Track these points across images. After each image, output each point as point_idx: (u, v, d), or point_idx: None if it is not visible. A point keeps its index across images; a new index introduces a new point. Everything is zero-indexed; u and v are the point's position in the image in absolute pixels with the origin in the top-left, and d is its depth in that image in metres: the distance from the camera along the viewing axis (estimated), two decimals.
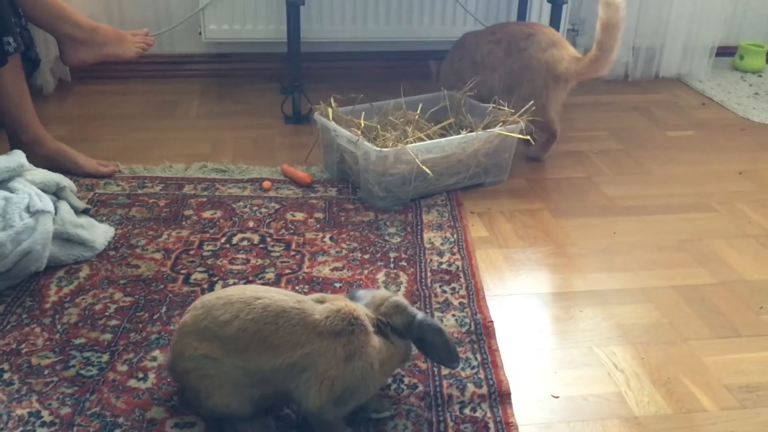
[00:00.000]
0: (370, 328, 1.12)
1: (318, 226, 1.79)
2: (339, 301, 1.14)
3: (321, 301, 1.15)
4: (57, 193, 1.65)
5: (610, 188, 2.07)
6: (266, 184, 1.97)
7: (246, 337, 1.09)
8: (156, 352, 1.34)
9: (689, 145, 2.39)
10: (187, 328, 1.14)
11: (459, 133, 1.97)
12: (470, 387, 1.28)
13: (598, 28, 1.95)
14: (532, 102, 2.02)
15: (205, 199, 1.90)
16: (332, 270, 1.61)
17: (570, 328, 1.47)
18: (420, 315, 1.15)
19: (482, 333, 1.42)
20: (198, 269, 1.59)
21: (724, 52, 3.13)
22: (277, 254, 1.66)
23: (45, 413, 1.19)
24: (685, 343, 1.44)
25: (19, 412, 1.19)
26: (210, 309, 1.12)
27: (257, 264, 1.62)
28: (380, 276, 1.59)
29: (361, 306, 1.16)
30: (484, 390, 1.27)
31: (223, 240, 1.71)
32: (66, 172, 1.86)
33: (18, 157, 1.64)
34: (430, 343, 1.14)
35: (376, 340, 1.12)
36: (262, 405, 1.14)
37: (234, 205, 1.87)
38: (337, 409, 1.11)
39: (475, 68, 2.18)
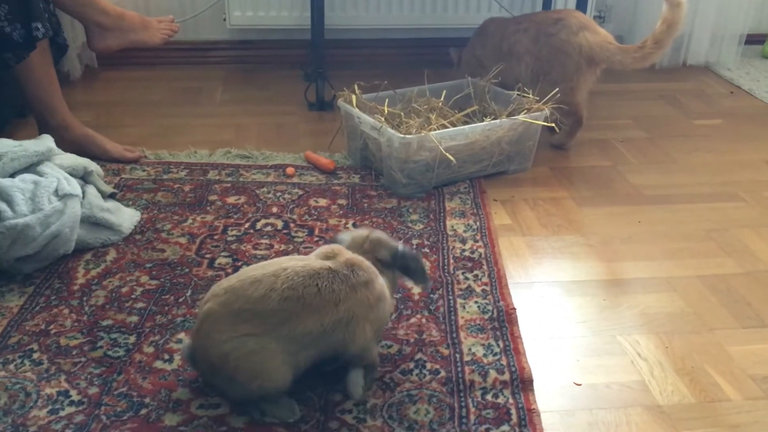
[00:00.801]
0: (377, 270, 1.23)
1: (341, 212, 1.79)
2: (348, 254, 1.22)
3: (330, 257, 1.22)
4: (84, 178, 1.67)
5: (635, 177, 2.05)
6: (290, 170, 1.98)
7: (290, 306, 1.13)
8: (181, 335, 1.35)
9: (716, 134, 2.36)
10: (216, 314, 1.14)
11: (483, 121, 1.96)
12: (492, 373, 1.28)
13: (662, 26, 1.97)
14: (558, 89, 2.01)
15: (229, 185, 1.91)
16: None
17: (593, 317, 1.47)
18: (400, 246, 1.28)
19: (505, 320, 1.42)
20: (222, 254, 1.61)
21: (754, 40, 3.08)
22: (301, 240, 1.67)
23: (73, 392, 1.21)
24: (710, 333, 1.43)
25: (48, 391, 1.21)
26: (238, 291, 1.14)
27: (281, 249, 1.63)
28: None
29: (357, 254, 1.24)
30: (506, 376, 1.27)
31: (247, 225, 1.72)
32: (93, 156, 1.88)
33: (47, 141, 1.66)
34: (412, 269, 1.28)
35: (383, 279, 1.24)
36: (304, 369, 1.18)
37: (258, 191, 1.88)
38: (375, 343, 1.26)
39: (501, 57, 2.17)
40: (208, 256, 1.60)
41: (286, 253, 1.61)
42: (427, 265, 1.58)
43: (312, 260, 1.21)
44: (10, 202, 1.46)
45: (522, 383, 1.26)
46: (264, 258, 1.59)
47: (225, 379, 1.15)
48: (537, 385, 1.26)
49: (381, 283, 1.22)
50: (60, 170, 1.59)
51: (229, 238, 1.67)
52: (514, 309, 1.45)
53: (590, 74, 2.10)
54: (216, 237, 1.67)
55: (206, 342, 1.14)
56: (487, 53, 2.24)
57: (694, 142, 2.29)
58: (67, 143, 1.88)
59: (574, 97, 2.10)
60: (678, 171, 2.10)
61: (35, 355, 1.29)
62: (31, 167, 1.59)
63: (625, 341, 1.40)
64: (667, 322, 1.45)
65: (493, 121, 1.93)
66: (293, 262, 1.19)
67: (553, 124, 2.03)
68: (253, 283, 1.14)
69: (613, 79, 2.64)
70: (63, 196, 1.52)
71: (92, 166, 1.70)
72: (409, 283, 1.44)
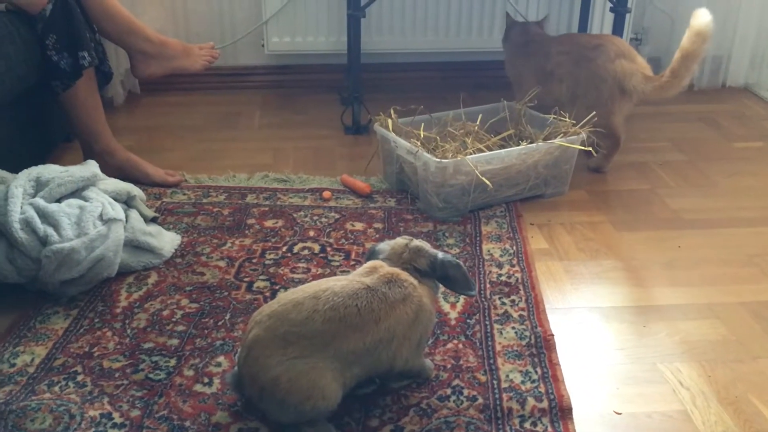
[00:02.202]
0: (416, 281, 1.23)
1: (377, 236, 1.80)
2: (385, 269, 1.23)
3: (369, 273, 1.23)
4: (127, 202, 1.71)
5: (675, 200, 2.03)
6: (326, 194, 2.00)
7: (333, 326, 1.15)
8: (221, 358, 1.37)
9: (757, 157, 2.32)
10: (263, 341, 1.15)
11: (519, 145, 1.96)
12: (530, 401, 1.27)
13: (678, 56, 1.95)
14: (594, 113, 2.00)
15: (267, 209, 1.94)
16: None
17: (633, 344, 1.45)
18: (440, 254, 1.27)
19: (543, 346, 1.41)
20: (260, 277, 1.63)
21: None
22: (337, 263, 1.68)
23: (116, 415, 1.23)
24: (754, 361, 1.40)
25: (91, 413, 1.23)
26: (281, 315, 1.15)
27: (318, 273, 1.64)
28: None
29: (394, 266, 1.25)
30: (545, 404, 1.26)
31: (284, 249, 1.74)
32: (135, 180, 1.93)
33: (92, 167, 1.71)
34: (452, 277, 1.26)
35: (422, 289, 1.24)
36: (349, 388, 1.19)
37: (295, 215, 1.90)
38: (418, 357, 1.27)
39: (543, 76, 2.17)
40: (246, 279, 1.62)
41: (323, 276, 1.62)
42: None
43: (350, 279, 1.22)
44: (56, 227, 1.50)
45: (561, 411, 1.25)
46: (301, 282, 1.61)
47: (276, 403, 1.15)
48: (576, 414, 1.25)
49: (419, 294, 1.23)
50: (104, 195, 1.63)
51: (267, 262, 1.69)
52: (552, 335, 1.44)
53: (625, 101, 2.09)
54: (254, 261, 1.69)
55: (256, 368, 1.15)
56: (530, 71, 2.24)
57: (734, 165, 2.25)
58: (110, 168, 1.93)
59: (610, 121, 2.09)
60: (718, 195, 2.07)
61: (79, 378, 1.32)
62: (76, 192, 1.63)
63: (666, 369, 1.38)
64: (710, 350, 1.43)
65: (529, 145, 1.92)
66: (332, 283, 1.20)
67: (590, 148, 2.02)
68: (296, 306, 1.16)
69: (651, 101, 2.61)
70: (107, 221, 1.56)
71: (135, 191, 1.74)
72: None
